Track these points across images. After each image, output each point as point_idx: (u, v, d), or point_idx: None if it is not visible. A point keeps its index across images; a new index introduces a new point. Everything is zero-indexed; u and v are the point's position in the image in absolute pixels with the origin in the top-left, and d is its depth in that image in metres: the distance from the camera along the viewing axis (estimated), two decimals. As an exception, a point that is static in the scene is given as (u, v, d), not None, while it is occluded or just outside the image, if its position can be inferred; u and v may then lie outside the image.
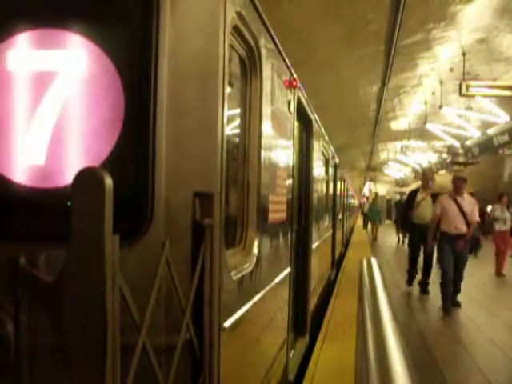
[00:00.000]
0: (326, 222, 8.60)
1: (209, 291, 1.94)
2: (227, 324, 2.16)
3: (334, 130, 16.37)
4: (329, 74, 14.28)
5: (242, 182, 2.71)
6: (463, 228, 8.66)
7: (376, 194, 28.48)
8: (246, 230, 2.71)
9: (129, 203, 1.83)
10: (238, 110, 2.73)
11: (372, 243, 20.33)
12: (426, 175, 11.10)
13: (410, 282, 10.39)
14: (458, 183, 8.95)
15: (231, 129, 2.64)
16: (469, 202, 8.92)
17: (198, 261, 1.88)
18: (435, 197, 9.69)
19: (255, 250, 2.75)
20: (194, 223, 1.89)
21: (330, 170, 9.59)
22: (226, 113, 2.11)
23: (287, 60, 3.72)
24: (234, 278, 2.34)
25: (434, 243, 9.22)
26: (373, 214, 24.24)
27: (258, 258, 2.77)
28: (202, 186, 1.93)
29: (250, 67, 2.76)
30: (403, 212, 11.38)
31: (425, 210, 9.83)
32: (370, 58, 13.93)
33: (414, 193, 10.80)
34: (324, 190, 8.42)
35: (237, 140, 2.74)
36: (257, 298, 2.77)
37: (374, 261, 3.88)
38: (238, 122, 2.74)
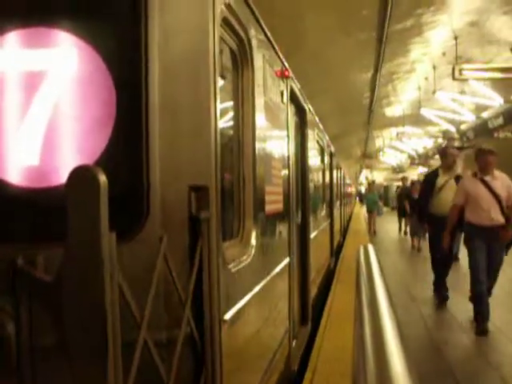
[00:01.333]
0: (324, 212, 8.62)
1: (208, 284, 1.94)
2: (227, 316, 2.17)
3: (329, 118, 16.37)
4: (321, 63, 14.25)
5: (238, 174, 2.71)
6: (499, 218, 6.51)
7: (373, 181, 27.22)
8: (243, 222, 2.72)
9: (124, 200, 1.83)
10: (230, 103, 2.73)
11: (371, 236, 17.83)
12: (447, 152, 8.48)
13: (440, 299, 7.92)
14: (485, 159, 6.61)
15: (225, 122, 2.64)
16: (502, 183, 6.64)
17: (196, 254, 1.89)
18: (460, 180, 7.50)
19: (253, 242, 2.75)
20: (191, 217, 1.90)
21: (326, 159, 9.59)
22: (219, 106, 2.10)
23: (278, 50, 3.71)
24: (233, 270, 2.35)
25: (450, 242, 7.05)
26: (369, 203, 21.58)
27: (256, 250, 2.78)
28: (197, 179, 1.93)
29: (241, 59, 2.75)
30: (421, 201, 8.62)
31: (448, 198, 7.54)
32: (362, 45, 13.91)
33: (432, 176, 8.52)
34: (320, 180, 8.43)
35: (231, 133, 2.74)
36: (256, 289, 2.77)
37: (370, 248, 3.89)
38: (231, 114, 2.74)
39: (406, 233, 18.92)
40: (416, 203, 14.79)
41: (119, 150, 1.89)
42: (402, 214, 18.77)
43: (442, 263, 7.95)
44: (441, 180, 8.13)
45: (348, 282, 7.53)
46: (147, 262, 1.71)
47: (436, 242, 7.92)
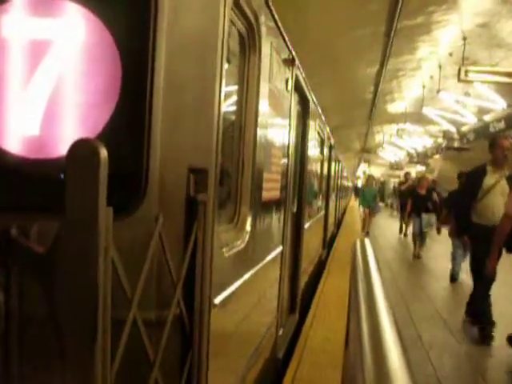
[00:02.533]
0: (319, 203, 8.62)
1: (200, 267, 1.94)
2: (218, 300, 2.17)
3: (331, 110, 16.30)
4: (327, 54, 14.17)
5: (238, 159, 2.70)
6: None
7: (370, 175, 26.29)
8: (240, 207, 2.71)
9: (123, 176, 1.82)
10: (235, 87, 2.71)
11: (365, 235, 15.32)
12: (497, 143, 6.49)
13: (484, 335, 6.19)
14: None
15: (228, 105, 2.62)
16: None
17: (191, 236, 1.88)
18: None
19: (248, 228, 2.75)
20: (188, 199, 1.89)
21: (325, 151, 9.57)
22: (224, 89, 2.09)
23: (286, 37, 3.69)
24: (226, 254, 2.35)
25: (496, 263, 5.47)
26: (366, 198, 18.94)
27: (251, 236, 2.77)
28: (196, 161, 1.92)
29: (249, 44, 2.73)
30: (462, 207, 6.77)
31: (498, 203, 6.10)
32: (369, 39, 13.82)
33: (478, 174, 6.60)
34: (318, 171, 8.43)
35: (233, 117, 2.73)
36: (248, 275, 2.78)
37: (367, 241, 3.90)
38: (235, 98, 2.72)
39: (406, 234, 18.10)
40: (422, 201, 13.13)
41: (122, 126, 1.87)
42: (403, 213, 17.11)
43: (488, 289, 6.21)
44: (489, 179, 6.38)
45: (338, 275, 7.57)
46: (142, 241, 1.70)
47: (478, 257, 6.22)
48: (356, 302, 2.18)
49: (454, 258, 10.31)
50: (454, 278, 10.26)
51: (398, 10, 11.09)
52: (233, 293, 2.44)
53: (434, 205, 13.48)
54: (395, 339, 1.54)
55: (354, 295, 2.39)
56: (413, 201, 14.23)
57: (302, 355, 4.24)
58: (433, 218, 13.35)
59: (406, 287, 9.63)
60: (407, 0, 10.53)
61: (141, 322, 1.62)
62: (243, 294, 2.69)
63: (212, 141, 2.00)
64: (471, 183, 6.70)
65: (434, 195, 13.85)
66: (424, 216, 13.39)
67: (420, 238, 13.54)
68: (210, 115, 1.99)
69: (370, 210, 18.72)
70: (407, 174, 20.81)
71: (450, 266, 10.42)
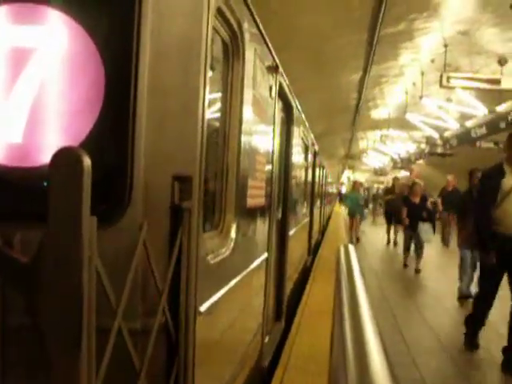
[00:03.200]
0: (304, 209, 8.63)
1: (185, 275, 1.93)
2: (203, 308, 2.17)
3: (314, 116, 16.39)
4: (310, 61, 14.25)
5: (222, 165, 2.70)
6: None
7: (356, 181, 25.28)
8: (224, 214, 2.71)
9: (107, 184, 1.81)
10: (219, 94, 2.71)
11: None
12: None
13: (470, 341, 6.07)
14: None
15: (212, 112, 2.62)
16: None
17: (176, 244, 1.88)
18: None
19: (233, 235, 2.75)
20: (173, 206, 1.88)
21: (310, 157, 9.60)
22: (207, 96, 2.09)
23: (270, 44, 3.70)
24: (211, 261, 2.34)
25: None
26: (353, 205, 18.19)
27: (236, 243, 2.77)
28: (181, 168, 1.92)
29: (232, 51, 2.74)
30: (482, 214, 5.79)
31: None
32: (352, 46, 13.94)
33: (495, 175, 5.75)
34: (303, 177, 8.45)
35: (217, 124, 2.73)
36: (233, 282, 2.77)
37: (351, 248, 3.92)
38: (219, 105, 2.72)
39: (395, 243, 17.20)
40: (417, 210, 11.84)
41: (105, 134, 1.87)
42: (390, 222, 16.57)
43: (490, 304, 5.88)
44: (509, 181, 5.56)
45: (324, 281, 7.57)
46: (127, 249, 1.69)
47: (494, 274, 5.66)
48: (340, 310, 2.19)
49: (463, 273, 8.92)
50: (463, 295, 8.89)
51: (381, 17, 11.21)
52: (218, 300, 2.43)
53: (429, 213, 12.53)
54: (378, 347, 1.55)
55: (338, 303, 2.40)
56: (408, 209, 12.76)
57: (288, 363, 4.23)
58: (429, 228, 12.34)
59: (395, 297, 9.49)
60: (389, 7, 10.65)
61: (126, 330, 1.61)
62: (228, 301, 2.68)
63: (196, 148, 2.00)
64: (488, 186, 5.80)
65: (428, 203, 12.92)
66: (422, 227, 12.24)
67: (414, 250, 12.50)
68: (194, 122, 1.99)
69: (357, 218, 18.13)
70: (395, 180, 19.62)
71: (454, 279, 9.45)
